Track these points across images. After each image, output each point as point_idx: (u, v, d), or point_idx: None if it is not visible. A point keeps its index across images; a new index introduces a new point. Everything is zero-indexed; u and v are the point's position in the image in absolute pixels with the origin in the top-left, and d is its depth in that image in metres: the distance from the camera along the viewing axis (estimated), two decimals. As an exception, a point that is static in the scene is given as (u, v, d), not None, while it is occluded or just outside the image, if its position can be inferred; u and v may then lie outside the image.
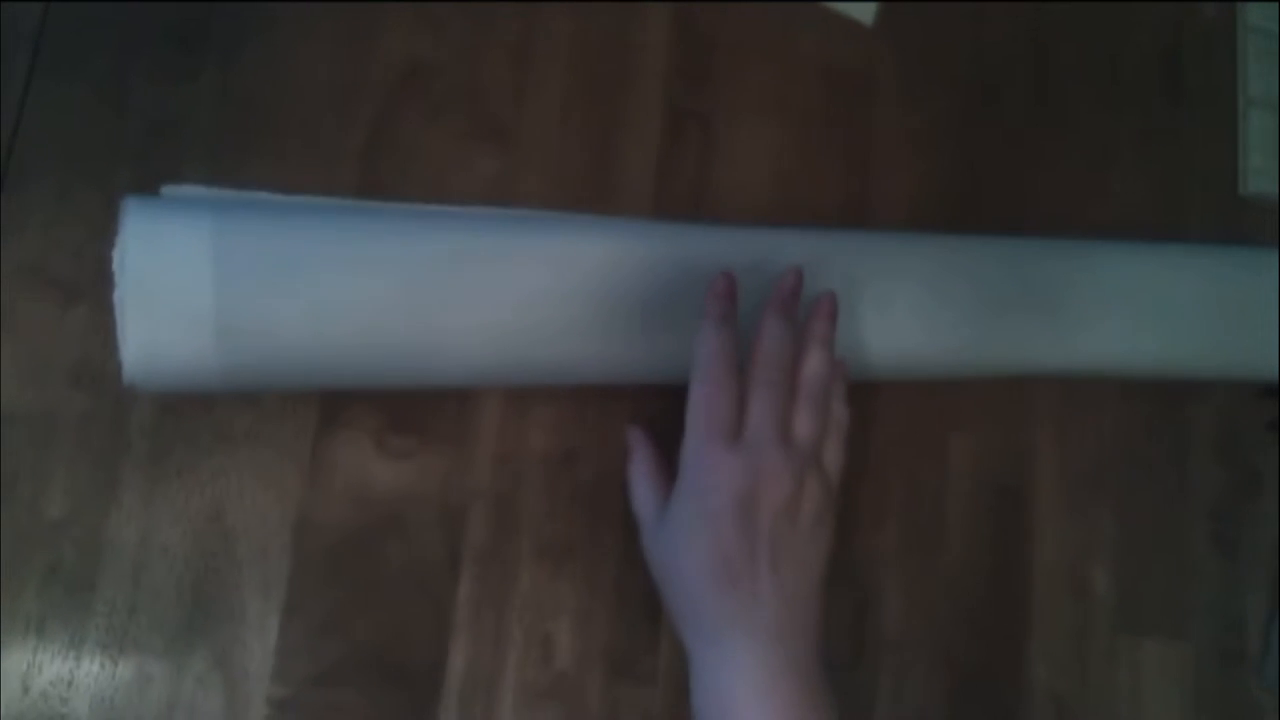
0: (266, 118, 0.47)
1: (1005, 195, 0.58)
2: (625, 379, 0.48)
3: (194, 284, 0.39)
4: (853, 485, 0.52)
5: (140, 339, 0.39)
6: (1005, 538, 0.54)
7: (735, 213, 0.53)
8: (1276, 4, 0.64)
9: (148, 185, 0.45)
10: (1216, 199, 0.61)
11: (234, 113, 0.47)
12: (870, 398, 0.53)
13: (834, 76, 0.56)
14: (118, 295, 0.39)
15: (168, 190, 0.45)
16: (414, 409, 0.47)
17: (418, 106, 0.49)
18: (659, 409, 0.50)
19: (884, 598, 0.52)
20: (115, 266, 0.39)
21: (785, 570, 0.38)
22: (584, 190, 0.51)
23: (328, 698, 0.44)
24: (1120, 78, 0.62)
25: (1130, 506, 0.56)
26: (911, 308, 0.49)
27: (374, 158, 0.48)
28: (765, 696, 0.36)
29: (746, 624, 0.37)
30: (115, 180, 0.45)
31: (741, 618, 0.37)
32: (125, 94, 0.45)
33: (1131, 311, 0.53)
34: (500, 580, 0.47)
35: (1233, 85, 0.63)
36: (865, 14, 0.57)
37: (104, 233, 0.44)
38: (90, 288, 0.44)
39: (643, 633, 0.48)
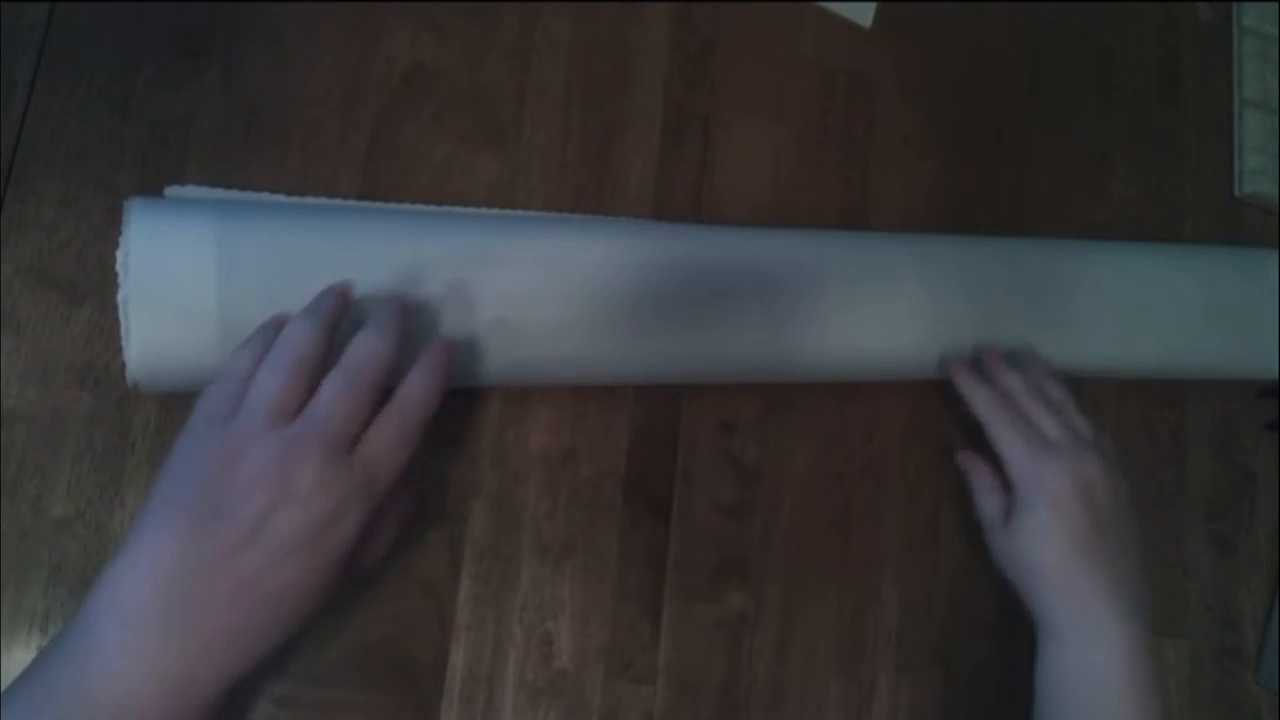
0: (269, 120, 0.47)
1: (1002, 197, 0.58)
2: (626, 378, 0.48)
3: (198, 285, 0.40)
4: (852, 486, 0.52)
5: (143, 340, 0.40)
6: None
7: (735, 213, 0.53)
8: (1274, 4, 0.64)
9: (151, 188, 0.45)
10: (1212, 200, 0.62)
11: (237, 115, 0.47)
12: (871, 397, 0.53)
13: (833, 78, 0.56)
14: (121, 295, 0.39)
15: (172, 192, 0.45)
16: (415, 409, 0.47)
17: (419, 109, 0.50)
18: (657, 409, 0.50)
19: (883, 597, 0.52)
20: (119, 267, 0.40)
21: (1131, 551, 0.44)
22: (584, 191, 0.51)
23: (328, 696, 0.44)
24: (1117, 79, 0.62)
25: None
26: (910, 309, 0.49)
27: (376, 160, 0.49)
28: (1134, 669, 0.41)
29: (1117, 603, 0.42)
30: (119, 183, 0.45)
31: (1112, 597, 0.42)
32: (129, 97, 0.46)
33: (1129, 312, 0.53)
34: (500, 579, 0.47)
35: (1228, 87, 0.63)
36: (864, 16, 0.57)
37: (108, 235, 0.44)
38: (94, 289, 0.44)
39: (643, 631, 0.48)
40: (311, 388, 0.34)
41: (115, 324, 0.40)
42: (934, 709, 0.52)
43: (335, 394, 0.34)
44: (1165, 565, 0.57)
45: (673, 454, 0.50)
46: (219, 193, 0.45)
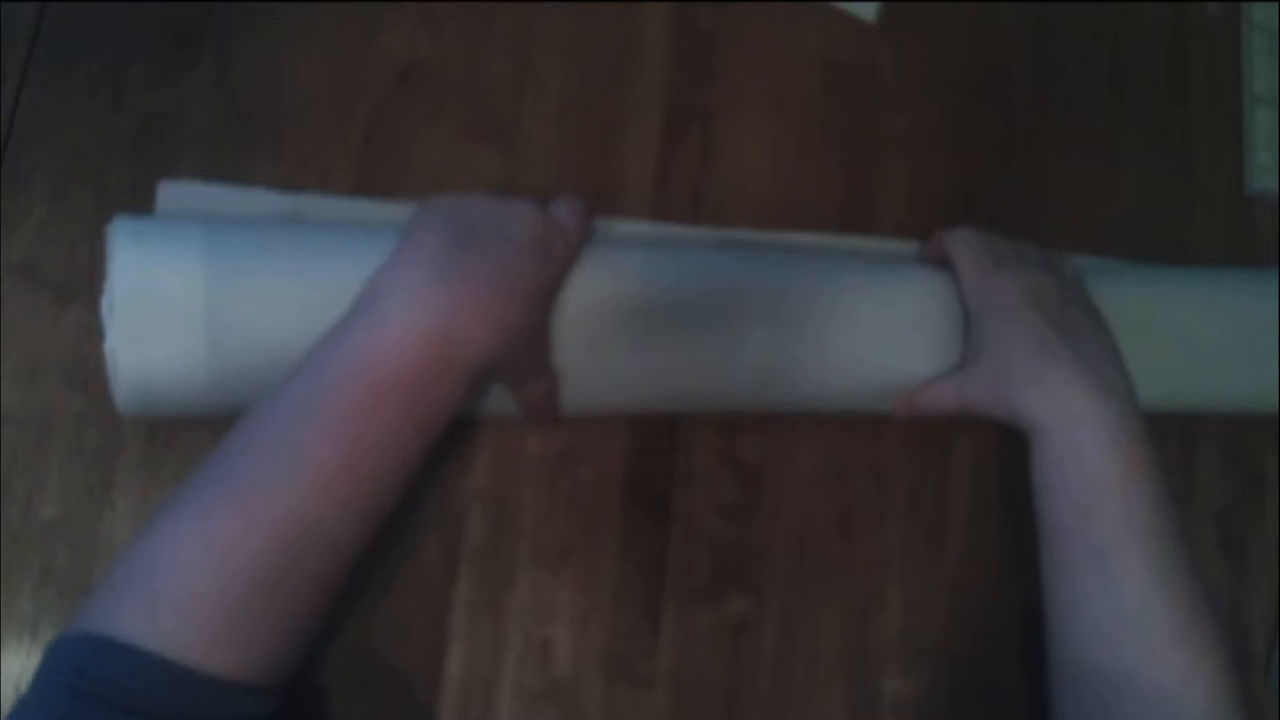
0: (263, 116, 0.47)
1: (1008, 193, 0.58)
2: (620, 407, 0.48)
3: (186, 315, 0.38)
4: (854, 488, 0.52)
5: (131, 372, 0.38)
6: (1008, 540, 0.53)
7: (735, 211, 0.53)
8: (1282, 1, 0.63)
9: (143, 184, 0.45)
10: (1221, 196, 0.61)
11: (230, 111, 0.47)
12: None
13: (836, 74, 0.56)
14: (107, 322, 0.38)
15: (164, 188, 0.44)
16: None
17: (416, 106, 0.49)
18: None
19: (886, 599, 0.51)
20: (104, 296, 0.38)
21: (1095, 340, 0.45)
22: (584, 189, 0.50)
23: (325, 702, 0.44)
24: (1125, 75, 0.61)
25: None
26: (908, 331, 0.48)
27: (371, 157, 0.48)
28: (1115, 449, 0.42)
29: (1087, 384, 0.43)
30: (110, 179, 0.45)
31: (1081, 381, 0.43)
32: (121, 92, 0.45)
33: (1136, 344, 0.49)
34: (498, 583, 0.47)
35: (1238, 83, 0.63)
36: (867, 11, 0.57)
37: (99, 232, 0.44)
38: (85, 288, 0.44)
39: (642, 636, 0.48)
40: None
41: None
42: (940, 714, 0.51)
43: (523, 198, 0.43)
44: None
45: (672, 455, 0.50)
46: (211, 189, 0.44)
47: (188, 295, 0.38)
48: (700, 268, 0.46)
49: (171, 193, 0.44)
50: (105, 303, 0.38)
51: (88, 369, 0.43)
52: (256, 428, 0.36)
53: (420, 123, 0.49)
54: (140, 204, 0.45)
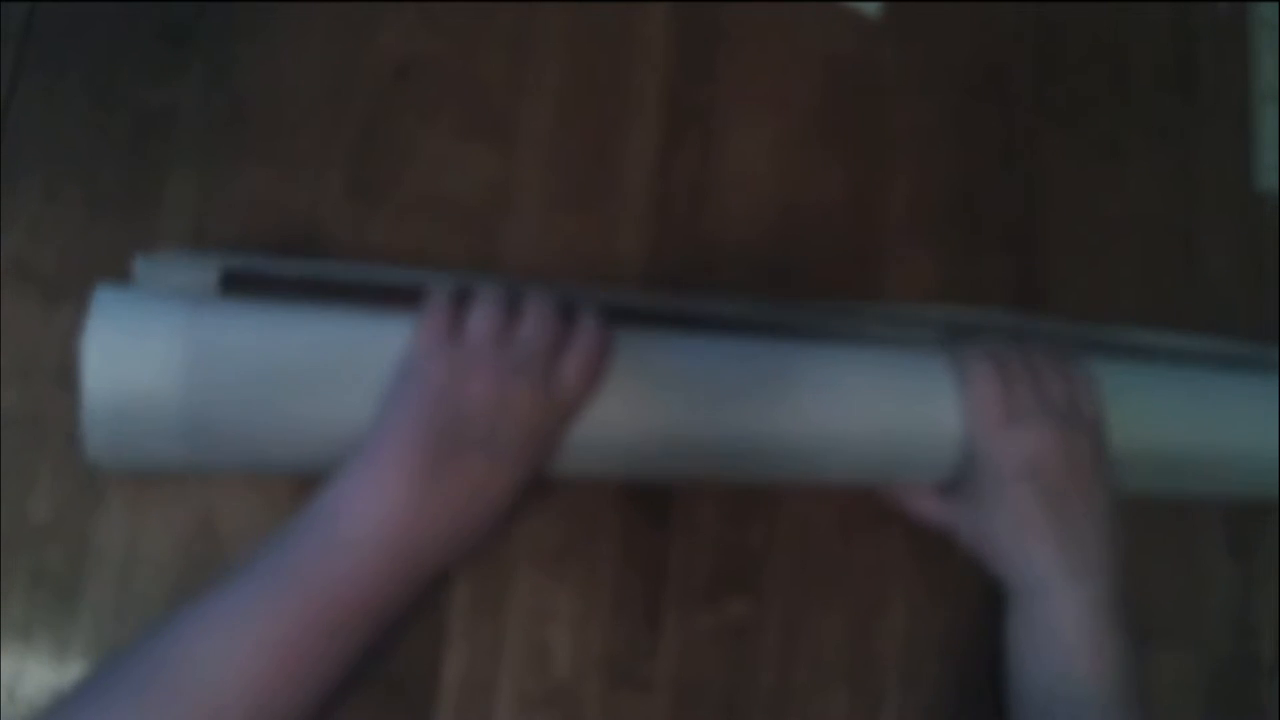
0: (257, 115, 0.46)
1: (1009, 193, 0.57)
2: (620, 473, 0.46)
3: (163, 404, 0.37)
4: (860, 494, 0.51)
5: (103, 445, 0.37)
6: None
7: (735, 209, 0.52)
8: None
9: (136, 182, 0.44)
10: (1229, 194, 0.61)
11: (224, 110, 0.46)
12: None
13: (837, 72, 0.55)
14: (83, 393, 0.37)
15: (142, 266, 0.41)
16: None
17: (413, 104, 0.49)
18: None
19: (890, 604, 0.51)
20: (82, 365, 0.37)
21: (1086, 513, 0.45)
22: (583, 187, 0.50)
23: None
24: (1129, 73, 0.61)
25: (1143, 511, 0.55)
26: (913, 427, 0.46)
27: (368, 156, 0.48)
28: (1084, 626, 0.43)
29: (1063, 567, 0.44)
30: (103, 178, 0.44)
31: (1058, 563, 0.44)
32: (113, 91, 0.45)
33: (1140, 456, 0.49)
34: (497, 586, 0.46)
35: (1245, 81, 0.63)
36: (870, 8, 0.56)
37: (91, 231, 0.44)
38: (77, 287, 0.43)
39: (641, 639, 0.47)
40: (515, 323, 0.39)
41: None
42: (943, 715, 0.51)
43: (536, 327, 0.38)
44: (1182, 572, 0.56)
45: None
46: (193, 263, 0.41)
47: (167, 383, 0.37)
48: (705, 355, 0.44)
49: (150, 271, 0.41)
50: (81, 358, 0.37)
51: (79, 369, 0.43)
52: (173, 645, 0.32)
53: (418, 121, 0.49)
54: (133, 204, 0.44)
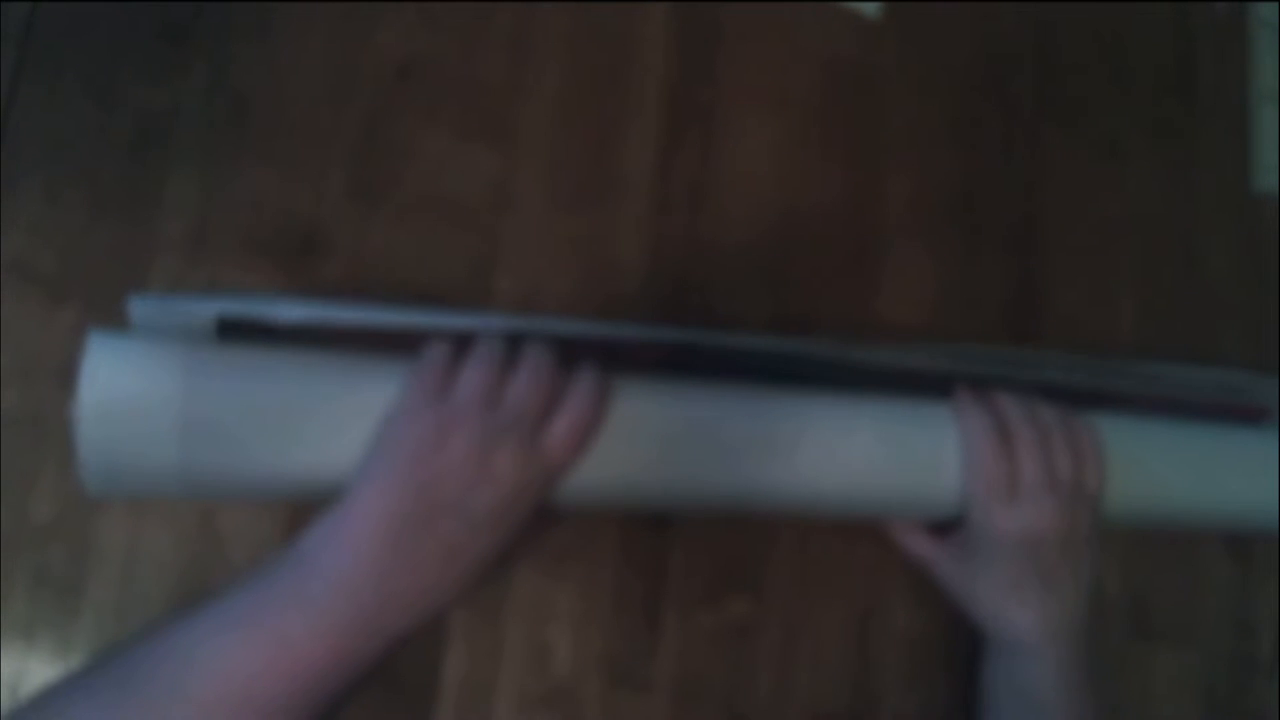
0: (257, 114, 0.46)
1: (1012, 192, 0.57)
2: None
3: (159, 443, 0.36)
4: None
5: (99, 486, 0.37)
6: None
7: (736, 208, 0.52)
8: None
9: (136, 184, 0.44)
10: (1227, 194, 0.61)
11: (224, 110, 0.46)
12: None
13: (838, 70, 0.55)
14: (75, 424, 0.36)
15: (135, 305, 0.40)
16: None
17: (414, 104, 0.49)
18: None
19: (892, 604, 0.51)
20: (75, 402, 0.36)
21: (1070, 585, 0.45)
22: (583, 187, 0.50)
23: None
24: (1129, 74, 0.61)
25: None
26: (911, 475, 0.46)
27: (369, 156, 0.48)
28: (1059, 682, 0.45)
29: (1044, 630, 0.45)
30: (104, 179, 0.44)
31: (1038, 627, 0.45)
32: (114, 92, 0.45)
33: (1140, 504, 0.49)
34: (497, 586, 0.46)
35: (1244, 81, 0.63)
36: (870, 8, 0.56)
37: (92, 231, 0.44)
38: (78, 287, 0.43)
39: (641, 639, 0.47)
40: (508, 379, 0.38)
41: (100, 323, 0.39)
42: (943, 716, 0.51)
43: (528, 386, 0.38)
44: (1182, 573, 0.56)
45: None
46: (186, 303, 0.40)
47: (163, 428, 0.36)
48: (706, 406, 0.43)
49: (141, 308, 0.40)
50: (75, 402, 0.36)
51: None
52: (141, 670, 0.33)
53: (418, 121, 0.49)
54: (134, 204, 0.44)
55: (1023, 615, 0.45)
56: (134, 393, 0.36)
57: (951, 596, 0.48)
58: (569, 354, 0.40)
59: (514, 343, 0.39)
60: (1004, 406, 0.46)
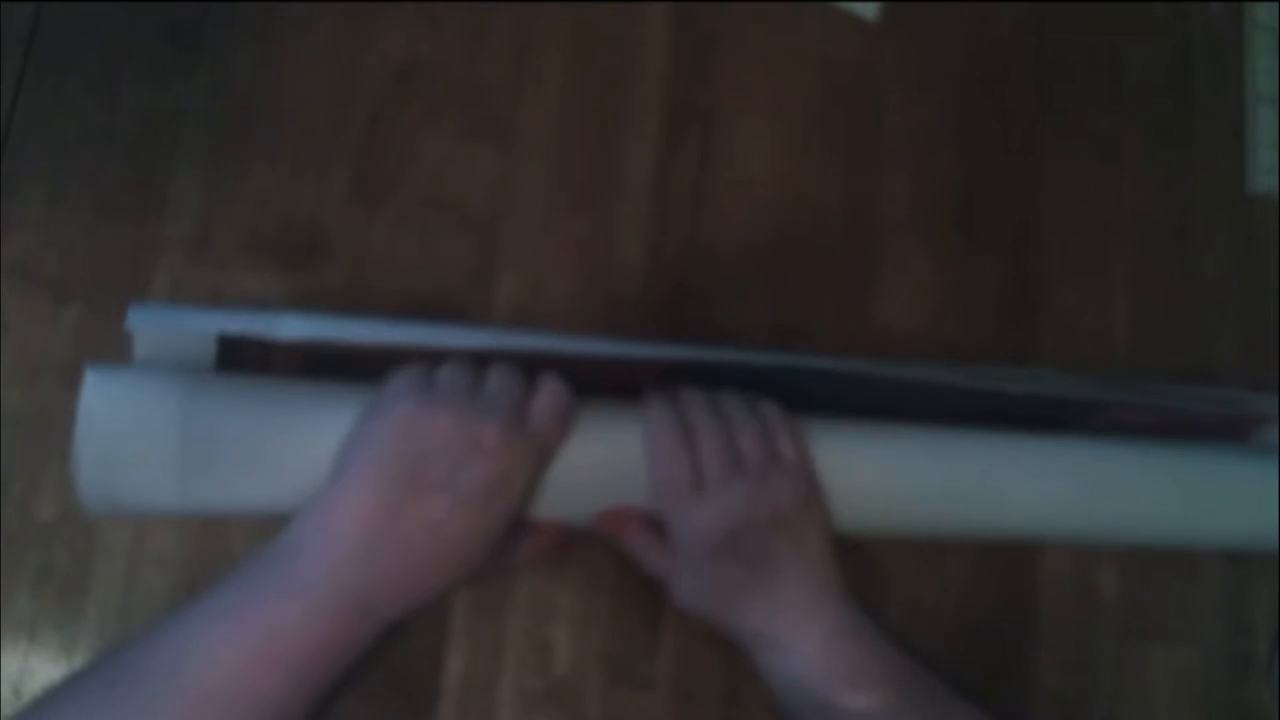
0: (261, 116, 0.47)
1: (1008, 193, 0.57)
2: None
3: (159, 473, 0.37)
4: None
5: (101, 512, 0.38)
6: (1013, 543, 0.53)
7: (735, 210, 0.52)
8: (1285, 0, 0.63)
9: (140, 186, 0.45)
10: (1224, 196, 0.61)
11: (228, 111, 0.46)
12: (873, 399, 0.52)
13: (837, 73, 0.56)
14: (75, 453, 0.37)
15: (134, 315, 0.40)
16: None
17: (415, 105, 0.49)
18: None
19: (887, 602, 0.51)
20: (75, 435, 0.37)
21: (797, 564, 0.42)
22: (584, 188, 0.51)
23: (325, 703, 0.44)
24: (1127, 75, 0.61)
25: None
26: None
27: (371, 157, 0.48)
28: (827, 662, 0.41)
29: (786, 619, 0.41)
30: (108, 179, 0.44)
31: (773, 619, 0.41)
32: (118, 92, 0.45)
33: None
34: (498, 584, 0.46)
35: (1240, 83, 0.63)
36: (869, 10, 0.56)
37: (96, 232, 0.44)
38: (82, 287, 0.43)
39: (642, 637, 0.48)
40: (482, 378, 0.39)
41: (103, 323, 0.39)
42: None
43: (504, 379, 0.39)
44: (1175, 571, 0.56)
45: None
46: (183, 314, 0.40)
47: (163, 455, 0.37)
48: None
49: (141, 318, 0.40)
50: (76, 428, 0.37)
51: (85, 369, 0.43)
52: (130, 669, 0.33)
53: (420, 122, 0.49)
54: (138, 206, 0.45)
55: (752, 611, 0.42)
56: (132, 433, 0.36)
57: (704, 620, 0.43)
58: (577, 377, 0.40)
59: (481, 360, 0.40)
60: (685, 400, 0.43)
